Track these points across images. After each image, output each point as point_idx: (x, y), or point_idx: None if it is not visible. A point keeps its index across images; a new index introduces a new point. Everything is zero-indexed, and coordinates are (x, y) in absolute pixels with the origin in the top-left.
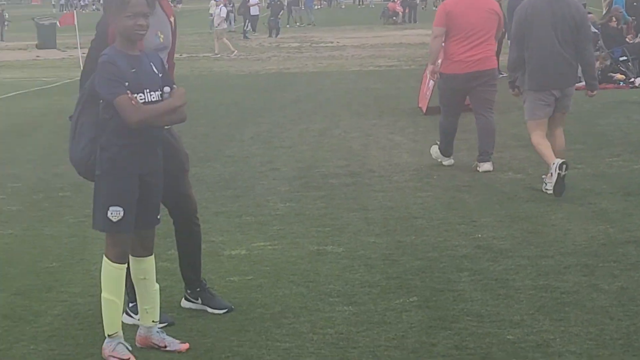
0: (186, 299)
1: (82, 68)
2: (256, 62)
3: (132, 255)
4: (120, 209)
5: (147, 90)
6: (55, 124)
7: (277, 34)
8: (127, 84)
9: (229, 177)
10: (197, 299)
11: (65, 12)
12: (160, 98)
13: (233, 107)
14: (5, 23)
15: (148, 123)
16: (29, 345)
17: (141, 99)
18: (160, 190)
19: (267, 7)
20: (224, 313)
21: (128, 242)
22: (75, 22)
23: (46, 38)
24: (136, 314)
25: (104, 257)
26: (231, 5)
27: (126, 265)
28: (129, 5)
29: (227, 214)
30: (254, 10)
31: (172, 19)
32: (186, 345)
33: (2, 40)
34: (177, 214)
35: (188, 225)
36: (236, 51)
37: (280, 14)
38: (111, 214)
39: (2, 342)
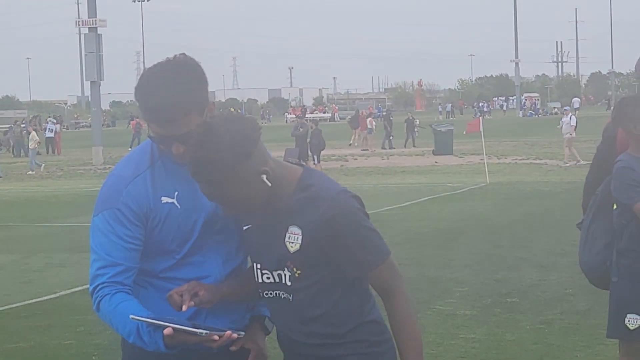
0: None
1: (587, 175)
2: None
3: None
4: (638, 316)
5: None
6: (476, 230)
7: None
8: None
9: None
10: None
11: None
12: None
13: None
14: (415, 130)
15: None
16: None
17: None
18: None
19: None
20: None
21: None
22: (481, 129)
23: (443, 144)
24: None
25: None
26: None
27: None
28: None
29: None
30: None
31: None
32: None
33: (413, 146)
34: None
35: None
36: (581, 161)
37: None
38: (628, 321)
39: None
